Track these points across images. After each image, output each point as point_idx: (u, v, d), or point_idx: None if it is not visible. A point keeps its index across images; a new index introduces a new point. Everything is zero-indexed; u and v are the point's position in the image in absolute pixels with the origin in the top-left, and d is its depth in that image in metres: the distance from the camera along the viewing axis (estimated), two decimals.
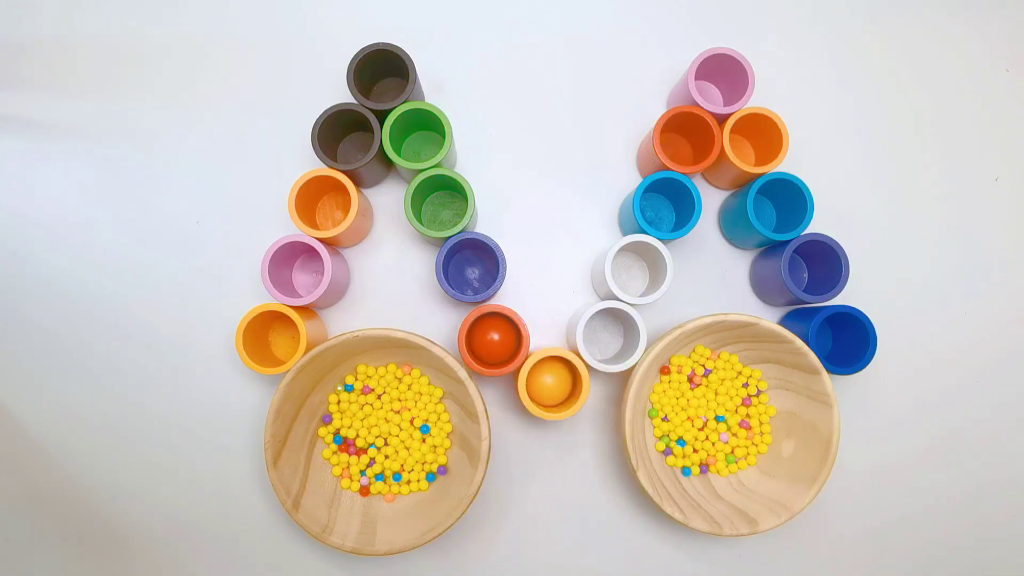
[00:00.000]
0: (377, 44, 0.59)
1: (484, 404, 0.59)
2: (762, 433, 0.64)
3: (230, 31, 0.68)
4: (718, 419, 0.64)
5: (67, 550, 0.66)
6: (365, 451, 0.63)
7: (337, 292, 0.64)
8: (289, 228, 0.64)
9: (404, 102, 0.59)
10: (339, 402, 0.63)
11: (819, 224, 0.65)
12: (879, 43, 0.69)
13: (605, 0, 0.69)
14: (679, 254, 0.67)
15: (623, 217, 0.65)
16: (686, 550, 0.67)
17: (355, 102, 0.60)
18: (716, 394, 0.64)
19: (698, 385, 0.64)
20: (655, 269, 0.63)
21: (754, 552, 0.67)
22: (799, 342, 0.60)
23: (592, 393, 0.66)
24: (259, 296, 0.65)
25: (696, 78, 0.61)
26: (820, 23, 0.69)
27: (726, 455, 0.64)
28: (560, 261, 0.67)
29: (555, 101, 0.68)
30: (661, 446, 0.64)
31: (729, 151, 0.60)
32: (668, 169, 0.60)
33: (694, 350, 0.64)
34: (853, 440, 0.66)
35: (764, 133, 0.62)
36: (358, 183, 0.63)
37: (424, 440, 0.63)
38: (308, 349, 0.59)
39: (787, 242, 0.61)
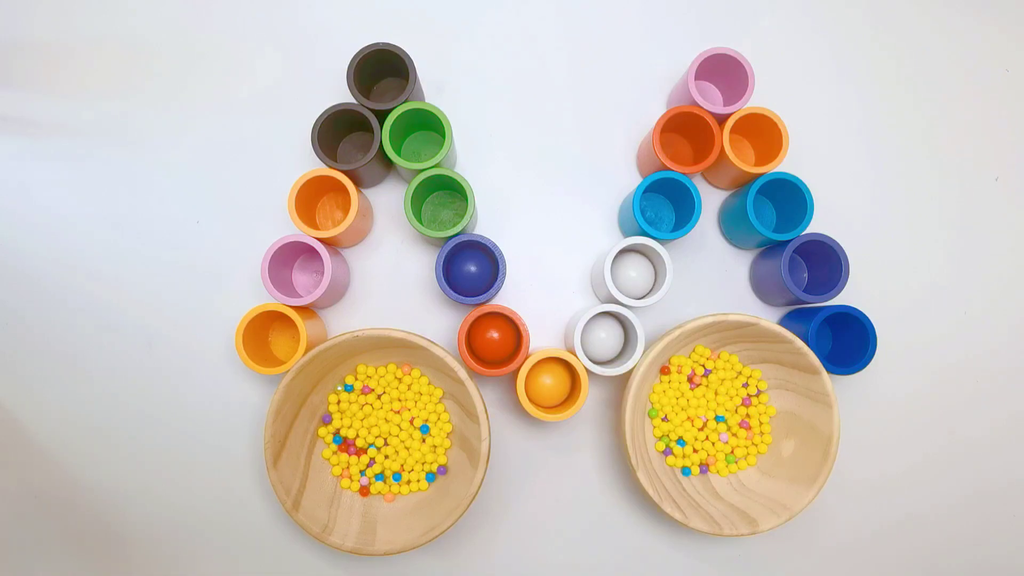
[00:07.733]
0: (377, 44, 0.59)
1: (484, 404, 0.59)
2: (762, 433, 0.64)
3: (231, 31, 0.68)
4: (718, 419, 0.64)
5: (67, 550, 0.66)
6: (365, 451, 0.63)
7: (337, 292, 0.64)
8: (289, 228, 0.64)
9: (404, 102, 0.59)
10: (339, 402, 0.63)
11: (819, 224, 0.65)
12: (879, 43, 0.69)
13: (605, 0, 0.69)
14: (679, 254, 0.67)
15: (623, 217, 0.65)
16: (686, 550, 0.67)
17: (355, 102, 0.60)
18: (716, 394, 0.64)
19: (698, 385, 0.64)
20: (655, 270, 0.63)
21: (754, 552, 0.67)
22: (799, 342, 0.60)
23: (591, 394, 0.66)
24: (259, 296, 0.65)
25: (696, 78, 0.61)
26: (820, 23, 0.69)
27: (726, 455, 0.64)
28: (560, 261, 0.67)
29: (555, 101, 0.68)
30: (661, 446, 0.64)
31: (729, 151, 0.60)
32: (668, 169, 0.60)
33: (694, 350, 0.64)
34: (853, 440, 0.66)
35: (764, 133, 0.62)
36: (358, 183, 0.63)
37: (424, 440, 0.63)
38: (308, 349, 0.59)
39: (787, 242, 0.61)
